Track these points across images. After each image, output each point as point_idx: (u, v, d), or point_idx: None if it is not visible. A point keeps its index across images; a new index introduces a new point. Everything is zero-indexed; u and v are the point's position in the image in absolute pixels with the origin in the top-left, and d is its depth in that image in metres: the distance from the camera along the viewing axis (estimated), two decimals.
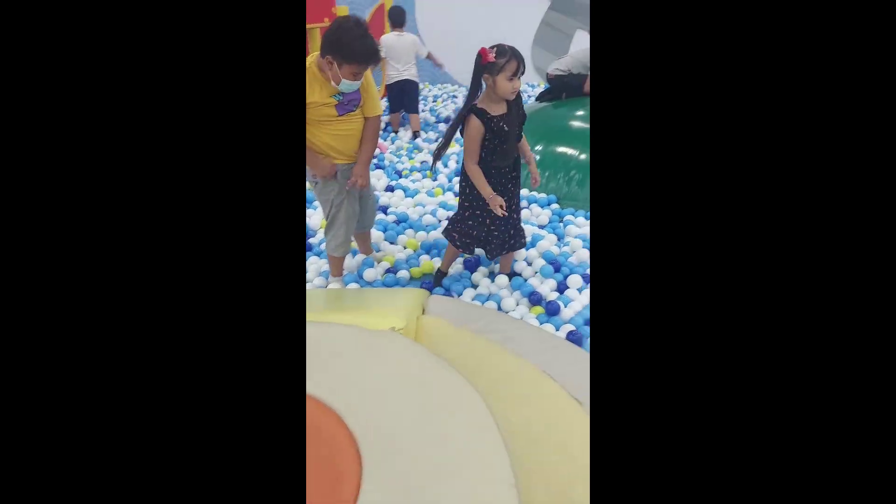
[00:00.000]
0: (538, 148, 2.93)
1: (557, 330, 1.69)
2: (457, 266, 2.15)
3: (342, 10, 4.03)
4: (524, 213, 2.60)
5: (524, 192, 2.83)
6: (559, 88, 3.38)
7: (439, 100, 4.91)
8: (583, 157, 2.79)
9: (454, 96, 4.99)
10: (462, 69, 5.74)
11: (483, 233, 1.81)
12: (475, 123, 1.61)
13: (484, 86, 1.63)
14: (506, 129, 1.64)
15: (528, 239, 2.34)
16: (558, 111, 3.22)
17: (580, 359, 1.35)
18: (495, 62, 1.55)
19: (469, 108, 1.63)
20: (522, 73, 1.58)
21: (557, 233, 2.39)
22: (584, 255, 2.16)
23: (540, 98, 3.54)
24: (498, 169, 1.71)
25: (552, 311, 1.76)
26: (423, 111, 4.51)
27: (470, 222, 1.81)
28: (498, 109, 1.64)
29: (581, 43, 5.24)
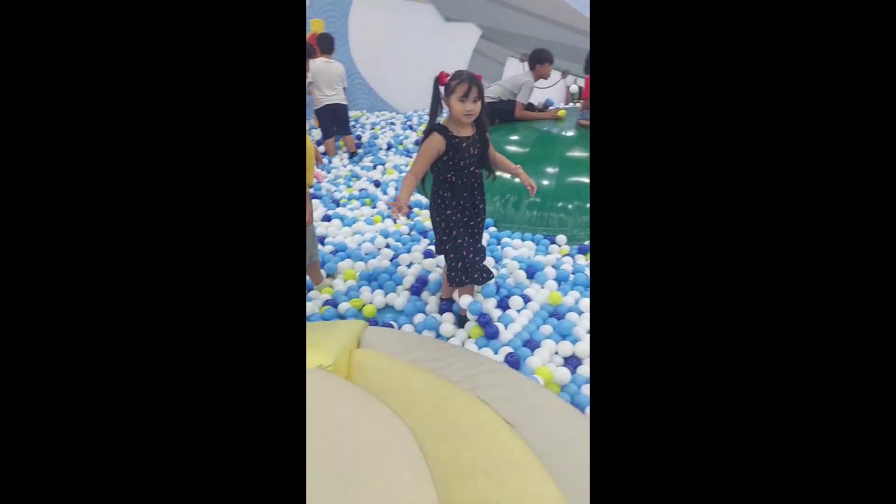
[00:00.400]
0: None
1: (496, 353, 1.70)
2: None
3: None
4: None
5: None
6: (491, 115, 3.49)
7: (377, 127, 4.94)
8: (517, 180, 2.87)
9: (392, 123, 5.03)
10: (395, 95, 5.83)
11: (466, 263, 1.79)
12: (436, 138, 1.65)
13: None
14: (470, 151, 1.68)
15: None
16: (492, 136, 3.32)
17: (515, 381, 1.36)
18: (448, 84, 1.61)
19: (432, 126, 1.67)
20: (476, 98, 1.61)
21: (495, 255, 2.43)
22: (521, 276, 2.21)
23: None
24: (470, 191, 1.74)
25: (491, 334, 1.77)
26: (363, 140, 4.52)
27: (452, 255, 1.79)
28: (462, 132, 1.68)
29: (513, 70, 5.45)
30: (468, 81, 1.60)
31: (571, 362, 1.67)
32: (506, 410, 1.17)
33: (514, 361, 1.61)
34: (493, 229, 2.75)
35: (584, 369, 1.63)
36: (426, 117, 5.49)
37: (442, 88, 1.65)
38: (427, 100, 1.73)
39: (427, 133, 1.68)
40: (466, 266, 1.79)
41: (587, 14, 5.78)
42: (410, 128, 4.85)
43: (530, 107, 3.47)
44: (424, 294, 2.11)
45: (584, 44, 5.00)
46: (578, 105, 3.59)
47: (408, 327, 1.91)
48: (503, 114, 3.45)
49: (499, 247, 2.54)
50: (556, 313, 1.97)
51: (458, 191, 1.73)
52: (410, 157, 4.17)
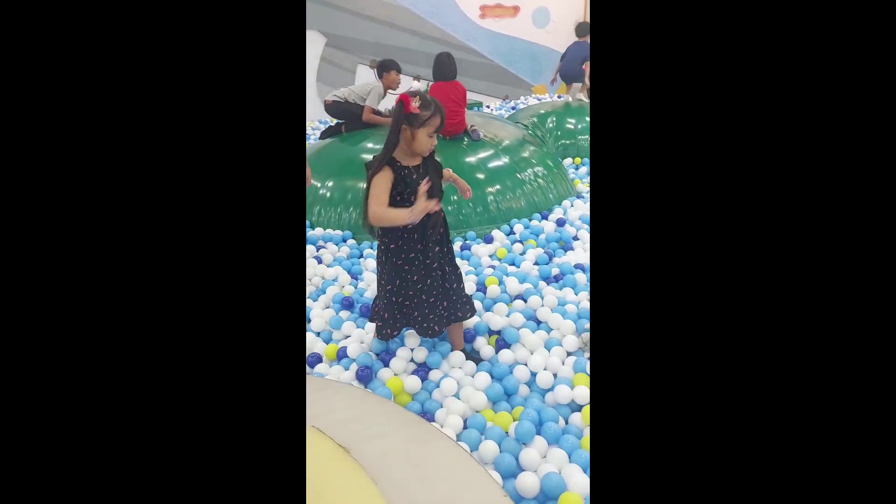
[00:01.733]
0: (329, 184, 2.92)
1: (347, 370, 1.67)
2: None
3: None
4: (319, 252, 2.55)
5: (316, 231, 2.79)
6: (337, 114, 3.46)
7: None
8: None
9: None
10: None
11: (413, 309, 1.60)
12: (386, 174, 1.41)
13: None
14: (419, 183, 1.42)
15: (326, 278, 2.30)
16: (344, 145, 3.27)
17: (357, 400, 1.35)
18: (418, 114, 1.38)
19: (383, 160, 1.42)
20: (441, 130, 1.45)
21: (355, 270, 2.39)
22: None
23: (323, 135, 3.56)
24: (423, 229, 1.50)
25: (340, 354, 1.74)
26: None
27: (394, 300, 1.59)
28: (412, 161, 1.46)
29: (364, 77, 5.44)
30: (441, 115, 1.41)
31: (422, 369, 1.69)
32: (343, 434, 1.15)
33: (364, 376, 1.59)
34: (352, 241, 2.70)
35: (435, 374, 1.65)
36: None
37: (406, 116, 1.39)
38: None
39: (377, 168, 1.42)
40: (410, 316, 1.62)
41: (434, 21, 5.95)
42: None
43: (378, 112, 3.48)
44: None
45: (431, 48, 5.15)
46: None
47: None
48: (349, 115, 3.44)
49: (361, 259, 2.51)
50: None
51: (421, 231, 1.50)
52: None
